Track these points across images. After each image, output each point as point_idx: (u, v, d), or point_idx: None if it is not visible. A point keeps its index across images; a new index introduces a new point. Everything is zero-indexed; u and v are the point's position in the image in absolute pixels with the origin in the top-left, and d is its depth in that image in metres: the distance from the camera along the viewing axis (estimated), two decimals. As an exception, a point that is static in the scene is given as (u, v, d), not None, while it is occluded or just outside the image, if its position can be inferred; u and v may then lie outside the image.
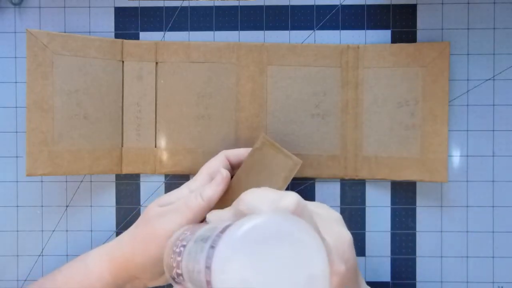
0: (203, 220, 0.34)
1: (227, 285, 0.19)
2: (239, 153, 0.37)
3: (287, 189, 0.41)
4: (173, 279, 0.27)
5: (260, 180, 0.36)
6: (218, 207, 0.35)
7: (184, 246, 0.25)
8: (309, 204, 0.25)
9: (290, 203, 0.24)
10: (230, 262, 0.19)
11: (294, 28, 0.41)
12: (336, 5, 0.41)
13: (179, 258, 0.25)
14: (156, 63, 0.41)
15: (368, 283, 0.41)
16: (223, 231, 0.21)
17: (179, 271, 0.25)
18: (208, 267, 0.20)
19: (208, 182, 0.36)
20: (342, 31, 0.41)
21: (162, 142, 0.41)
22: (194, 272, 0.22)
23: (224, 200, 0.35)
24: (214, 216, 0.29)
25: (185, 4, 0.42)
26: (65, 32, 0.42)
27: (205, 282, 0.20)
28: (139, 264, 0.35)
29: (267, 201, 0.24)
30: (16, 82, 0.42)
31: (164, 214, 0.35)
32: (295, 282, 0.20)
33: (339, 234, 0.24)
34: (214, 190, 0.34)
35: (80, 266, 0.37)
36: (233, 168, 0.38)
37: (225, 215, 0.28)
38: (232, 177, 0.36)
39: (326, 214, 0.26)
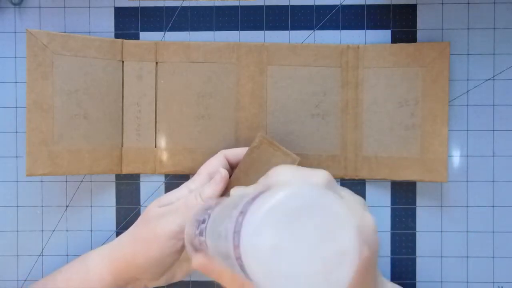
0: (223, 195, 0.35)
1: (256, 249, 0.19)
2: (238, 152, 0.37)
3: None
4: (194, 248, 0.27)
5: (258, 178, 0.36)
6: None
7: (209, 214, 0.26)
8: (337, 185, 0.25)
9: (322, 178, 0.24)
10: (260, 228, 0.19)
11: (294, 28, 0.41)
12: (336, 5, 0.41)
13: (203, 225, 0.25)
14: (156, 63, 0.41)
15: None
16: (255, 198, 0.21)
17: (202, 238, 0.25)
18: (237, 232, 0.20)
19: (207, 182, 0.36)
20: (342, 31, 0.41)
21: (162, 142, 0.41)
22: (220, 237, 0.22)
23: None
24: (239, 192, 0.29)
25: (185, 4, 0.42)
26: (65, 32, 0.41)
27: (233, 247, 0.20)
28: (139, 265, 0.35)
29: (298, 176, 0.24)
30: (16, 82, 0.42)
31: (164, 214, 0.35)
32: (324, 255, 0.19)
33: (364, 217, 0.24)
34: (213, 189, 0.34)
35: (81, 267, 0.37)
36: (232, 167, 0.38)
37: (251, 192, 0.28)
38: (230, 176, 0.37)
39: (351, 197, 0.26)
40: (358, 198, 0.27)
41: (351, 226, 0.20)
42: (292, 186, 0.20)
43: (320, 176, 0.24)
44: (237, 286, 0.24)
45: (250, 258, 0.19)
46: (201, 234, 0.26)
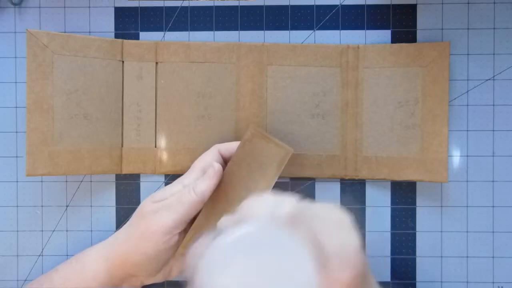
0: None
1: None
2: (232, 146, 0.37)
3: (282, 181, 0.42)
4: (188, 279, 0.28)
5: (251, 172, 0.36)
6: (211, 201, 0.35)
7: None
8: (313, 207, 0.24)
9: (285, 211, 0.23)
10: (213, 273, 0.20)
11: (294, 28, 0.41)
12: (336, 5, 0.41)
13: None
14: (156, 63, 0.41)
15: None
16: (211, 240, 0.21)
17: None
18: (195, 276, 0.20)
19: (201, 177, 0.36)
20: (342, 31, 0.41)
21: (162, 142, 0.41)
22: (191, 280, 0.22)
23: (217, 194, 0.35)
24: (223, 223, 0.29)
25: (185, 4, 0.42)
26: (65, 32, 0.42)
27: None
28: (135, 262, 0.35)
29: (264, 210, 0.24)
30: (16, 82, 0.42)
31: (158, 210, 0.35)
32: None
33: (344, 240, 0.23)
34: (206, 184, 0.34)
35: (76, 266, 0.37)
36: (226, 161, 0.38)
37: (232, 222, 0.28)
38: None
39: (332, 217, 0.25)
40: (341, 217, 0.24)
41: (307, 261, 0.20)
42: (246, 227, 0.21)
43: (284, 208, 0.23)
44: None
45: None
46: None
